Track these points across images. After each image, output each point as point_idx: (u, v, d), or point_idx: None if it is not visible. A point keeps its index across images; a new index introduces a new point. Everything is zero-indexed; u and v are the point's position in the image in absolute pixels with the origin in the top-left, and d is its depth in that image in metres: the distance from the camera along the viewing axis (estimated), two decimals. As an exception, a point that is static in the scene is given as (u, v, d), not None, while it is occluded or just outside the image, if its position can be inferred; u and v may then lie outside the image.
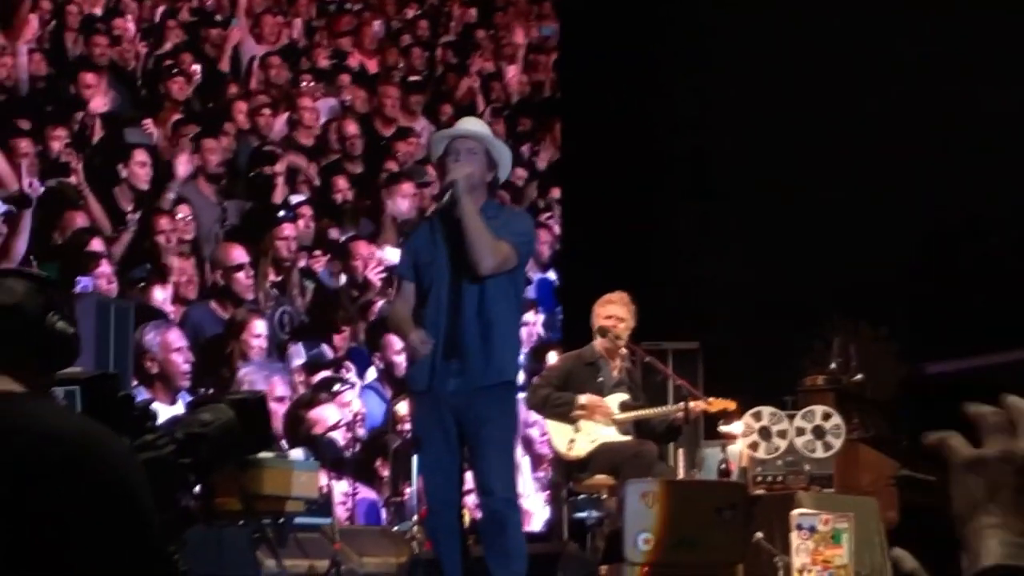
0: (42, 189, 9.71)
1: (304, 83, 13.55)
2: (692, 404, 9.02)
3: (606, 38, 13.32)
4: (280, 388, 9.44)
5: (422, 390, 6.91)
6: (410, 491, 9.05)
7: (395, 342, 10.58)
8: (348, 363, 10.50)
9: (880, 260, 11.93)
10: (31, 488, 2.56)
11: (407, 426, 9.32)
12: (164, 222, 10.62)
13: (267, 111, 12.77)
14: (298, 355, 10.29)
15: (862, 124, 12.24)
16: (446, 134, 7.08)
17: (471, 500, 7.94)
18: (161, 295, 9.92)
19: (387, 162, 13.07)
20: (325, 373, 10.15)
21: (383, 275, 11.46)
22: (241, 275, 10.48)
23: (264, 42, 13.80)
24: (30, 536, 2.54)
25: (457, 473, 7.07)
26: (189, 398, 9.13)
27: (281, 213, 11.34)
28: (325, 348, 10.49)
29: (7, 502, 2.55)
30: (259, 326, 9.84)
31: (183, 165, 11.10)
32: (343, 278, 11.61)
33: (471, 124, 7.25)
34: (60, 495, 2.56)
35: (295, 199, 11.87)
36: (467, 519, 7.57)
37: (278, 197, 11.85)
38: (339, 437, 9.42)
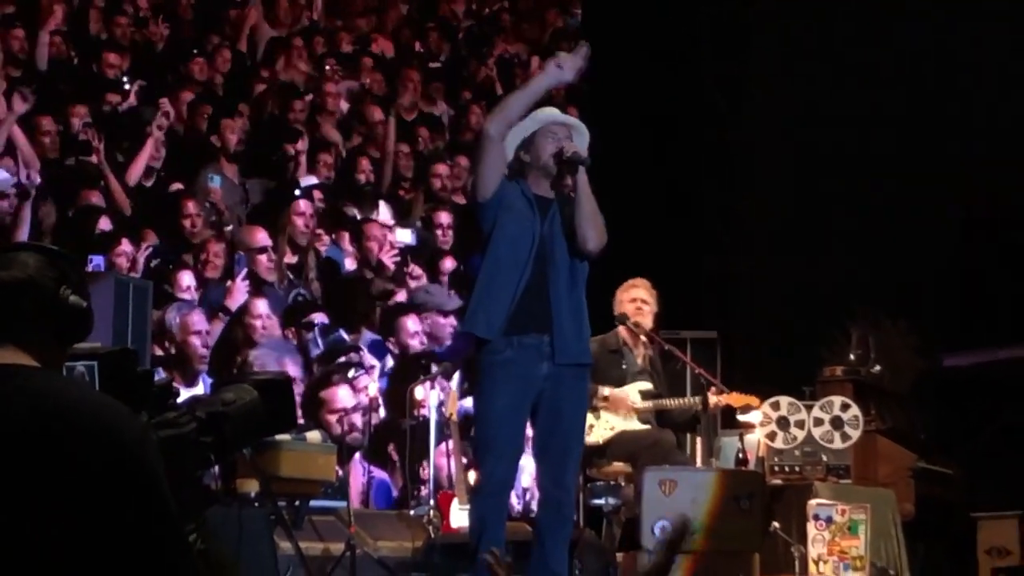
0: (39, 181, 9.70)
1: (328, 67, 13.56)
2: (716, 399, 8.97)
3: (630, 26, 13.29)
4: (291, 369, 9.35)
5: (490, 337, 6.57)
6: (428, 473, 9.04)
7: (409, 326, 10.54)
8: (365, 350, 10.47)
9: (902, 252, 11.91)
10: (45, 462, 2.55)
11: (423, 411, 9.30)
12: (191, 205, 10.64)
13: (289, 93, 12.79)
14: (315, 344, 10.24)
15: (889, 116, 12.20)
16: (548, 117, 6.92)
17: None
18: (188, 280, 9.89)
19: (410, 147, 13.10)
20: (342, 359, 10.11)
21: (397, 259, 11.45)
22: (263, 258, 10.47)
23: (280, 25, 13.81)
24: (44, 510, 2.53)
25: (520, 455, 6.94)
26: (210, 380, 9.12)
27: (297, 192, 11.32)
28: (343, 333, 10.46)
29: (22, 476, 2.54)
30: (260, 306, 9.78)
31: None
32: (351, 263, 11.56)
33: (567, 117, 7.11)
34: (74, 469, 2.55)
35: (306, 181, 11.84)
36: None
37: (300, 177, 11.87)
38: (357, 421, 9.38)
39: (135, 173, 10.96)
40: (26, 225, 9.39)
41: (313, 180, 11.93)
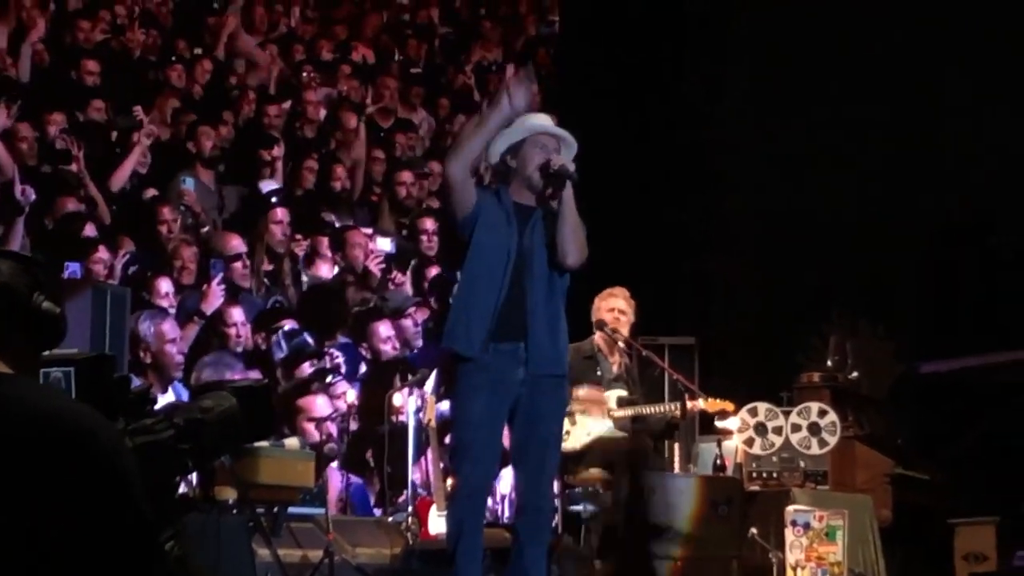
0: (34, 196, 9.67)
1: (305, 74, 13.56)
2: (690, 404, 8.98)
3: (608, 28, 13.31)
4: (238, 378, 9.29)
5: (470, 355, 6.58)
6: (406, 480, 9.02)
7: (381, 331, 10.53)
8: (333, 351, 10.44)
9: (880, 258, 11.94)
10: (17, 469, 2.54)
11: (402, 417, 9.29)
12: (166, 211, 10.62)
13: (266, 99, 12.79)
14: (279, 347, 10.21)
15: (868, 122, 12.24)
16: (538, 126, 6.88)
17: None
18: (166, 287, 9.87)
19: (385, 153, 13.09)
20: (310, 364, 10.07)
21: (382, 265, 11.45)
22: (238, 265, 10.47)
23: (255, 32, 13.81)
24: (16, 517, 2.52)
25: (497, 460, 6.95)
26: (181, 387, 9.10)
27: (274, 199, 11.30)
28: (307, 336, 10.44)
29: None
30: (235, 314, 9.78)
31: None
32: (328, 270, 11.54)
33: (557, 129, 7.06)
34: (47, 476, 2.54)
35: (266, 186, 11.81)
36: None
37: (277, 183, 11.85)
38: (333, 430, 9.37)
39: (119, 179, 10.95)
40: (19, 239, 9.37)
41: (274, 185, 11.89)
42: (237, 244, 10.59)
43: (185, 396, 8.93)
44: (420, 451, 9.06)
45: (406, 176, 12.64)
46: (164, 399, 8.33)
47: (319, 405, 9.17)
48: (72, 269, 9.04)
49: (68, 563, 2.55)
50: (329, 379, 9.70)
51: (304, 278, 11.32)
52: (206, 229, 11.17)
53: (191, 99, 12.49)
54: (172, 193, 11.15)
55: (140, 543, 2.64)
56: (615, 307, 9.24)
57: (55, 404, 2.69)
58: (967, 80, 11.96)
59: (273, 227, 10.97)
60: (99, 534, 2.57)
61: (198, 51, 12.98)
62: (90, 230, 9.93)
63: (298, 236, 11.41)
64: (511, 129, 6.79)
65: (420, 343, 11.05)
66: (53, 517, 2.53)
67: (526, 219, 6.71)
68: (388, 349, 10.51)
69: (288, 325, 10.23)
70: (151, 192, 11.19)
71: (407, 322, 10.91)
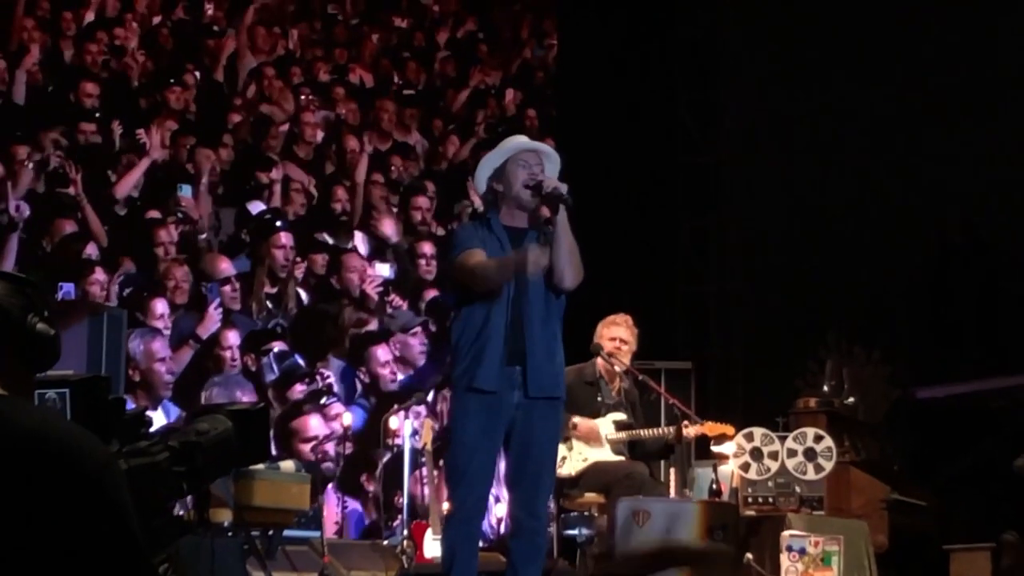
0: (28, 213, 9.67)
1: (303, 96, 13.57)
2: (692, 428, 8.98)
3: (604, 52, 13.34)
4: (245, 400, 9.33)
5: (489, 389, 6.57)
6: (402, 503, 9.03)
7: (379, 355, 10.54)
8: (323, 371, 10.45)
9: (877, 284, 11.94)
10: (8, 488, 2.54)
11: (398, 440, 9.29)
12: (163, 234, 10.63)
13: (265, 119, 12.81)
14: (270, 369, 10.22)
15: (863, 144, 12.25)
16: (517, 146, 6.87)
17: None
18: (161, 308, 9.88)
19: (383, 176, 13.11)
20: (302, 386, 10.08)
21: (380, 289, 11.46)
22: (227, 288, 10.48)
23: (258, 53, 13.82)
24: (6, 535, 2.52)
25: (492, 483, 6.96)
26: (172, 406, 9.12)
27: (278, 223, 11.31)
28: (298, 358, 10.44)
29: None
30: (231, 337, 9.80)
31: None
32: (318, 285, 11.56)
33: (537, 144, 7.05)
34: (37, 496, 2.54)
35: (255, 207, 11.81)
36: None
37: (263, 207, 11.87)
38: (330, 450, 9.38)
39: (125, 187, 10.95)
40: (12, 256, 9.38)
41: (261, 207, 11.89)
42: (227, 267, 10.62)
43: (175, 415, 8.95)
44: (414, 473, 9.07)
45: (422, 201, 12.68)
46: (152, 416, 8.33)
47: (313, 426, 9.20)
48: (66, 290, 9.05)
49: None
50: (324, 400, 9.72)
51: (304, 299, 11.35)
52: (203, 236, 11.17)
53: (189, 121, 12.49)
54: (170, 203, 11.15)
55: (129, 565, 2.63)
56: (617, 336, 9.23)
57: (48, 425, 2.69)
58: (967, 102, 11.97)
59: (275, 251, 10.99)
60: (87, 555, 2.56)
61: (198, 74, 12.98)
62: (91, 250, 9.95)
63: (298, 259, 11.43)
64: (490, 156, 6.81)
65: (423, 363, 11.06)
66: (40, 537, 2.53)
67: (519, 242, 6.70)
68: (387, 373, 10.53)
69: (278, 347, 10.24)
70: (152, 213, 11.19)
71: (413, 340, 10.90)
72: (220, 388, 9.48)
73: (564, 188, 6.61)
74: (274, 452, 9.08)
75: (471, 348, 6.65)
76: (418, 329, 11.17)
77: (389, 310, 11.47)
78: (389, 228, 12.47)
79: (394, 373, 10.62)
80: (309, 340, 10.74)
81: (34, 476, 2.55)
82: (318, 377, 10.18)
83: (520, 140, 6.93)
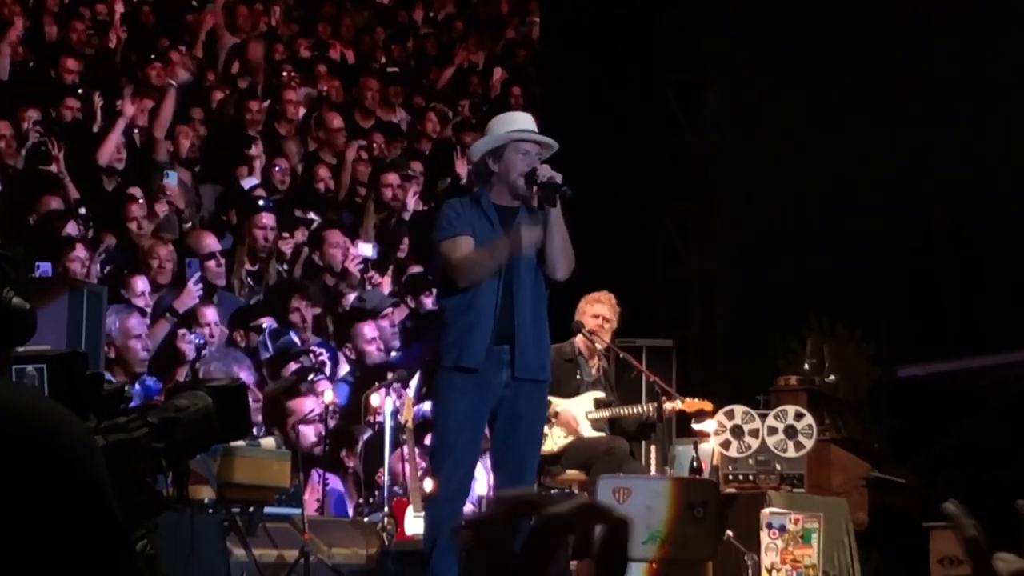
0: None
1: (284, 73, 13.53)
2: (668, 405, 9.00)
3: (586, 34, 13.32)
4: (244, 377, 9.32)
5: (475, 367, 6.58)
6: (384, 480, 9.03)
7: (365, 332, 10.53)
8: (316, 349, 10.43)
9: (858, 262, 11.96)
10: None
11: (379, 418, 9.30)
12: (135, 208, 10.57)
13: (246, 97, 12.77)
14: (264, 347, 10.21)
15: (848, 127, 12.26)
16: (519, 131, 6.81)
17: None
18: (142, 285, 9.85)
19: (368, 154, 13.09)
20: (296, 363, 10.07)
21: (360, 267, 11.45)
22: (212, 263, 10.46)
23: (239, 31, 13.78)
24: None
25: (476, 463, 6.96)
26: (152, 382, 9.11)
27: (261, 202, 11.28)
28: (292, 335, 10.43)
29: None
30: (209, 314, 9.78)
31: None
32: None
33: (542, 136, 6.97)
34: (11, 473, 2.53)
35: (248, 182, 11.79)
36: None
37: (256, 181, 11.84)
38: (311, 429, 9.37)
39: (106, 154, 10.91)
40: None
41: (255, 181, 11.88)
42: (211, 243, 10.59)
43: (155, 392, 8.94)
44: (396, 451, 9.07)
45: (392, 178, 12.63)
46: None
47: (309, 406, 9.21)
48: (43, 269, 9.00)
49: (34, 563, 2.54)
50: (311, 377, 9.72)
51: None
52: (188, 225, 11.16)
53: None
54: (154, 187, 11.12)
55: (108, 543, 2.62)
56: (600, 314, 9.23)
57: (22, 400, 2.66)
58: (952, 86, 11.98)
59: (256, 231, 10.96)
60: (65, 534, 2.55)
61: (182, 48, 12.94)
62: (71, 228, 9.91)
63: (284, 234, 11.41)
64: (492, 133, 6.77)
65: (397, 343, 11.05)
66: (17, 517, 2.52)
67: (509, 221, 6.69)
68: (373, 350, 10.52)
69: (267, 323, 10.23)
70: (133, 190, 11.15)
71: (384, 323, 10.92)
72: (219, 363, 9.47)
73: (559, 178, 6.58)
74: (263, 429, 9.09)
75: (458, 325, 6.64)
76: (389, 310, 11.16)
77: (368, 287, 11.46)
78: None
79: (380, 349, 10.62)
80: (288, 312, 10.72)
81: (8, 453, 2.53)
82: (311, 355, 10.17)
83: (525, 124, 6.86)
